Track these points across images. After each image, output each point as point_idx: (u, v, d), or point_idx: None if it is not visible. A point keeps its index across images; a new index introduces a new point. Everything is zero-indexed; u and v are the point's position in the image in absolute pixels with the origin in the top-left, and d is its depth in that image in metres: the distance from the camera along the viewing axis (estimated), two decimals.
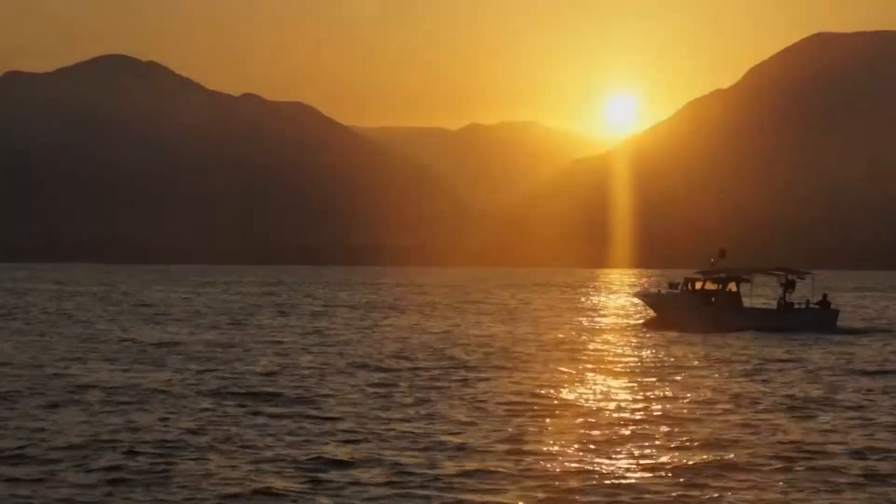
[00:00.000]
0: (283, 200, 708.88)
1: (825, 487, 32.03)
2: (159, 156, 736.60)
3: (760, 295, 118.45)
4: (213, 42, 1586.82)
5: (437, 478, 32.30)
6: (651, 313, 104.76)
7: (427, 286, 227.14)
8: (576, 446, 37.39)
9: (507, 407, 46.13)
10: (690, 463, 34.62)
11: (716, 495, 30.79)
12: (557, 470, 33.67)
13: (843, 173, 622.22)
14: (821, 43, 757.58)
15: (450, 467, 33.66)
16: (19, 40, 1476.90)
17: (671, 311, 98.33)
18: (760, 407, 47.28)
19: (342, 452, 35.69)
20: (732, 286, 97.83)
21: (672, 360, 67.71)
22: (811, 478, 33.08)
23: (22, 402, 47.11)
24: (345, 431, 39.92)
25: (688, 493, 31.04)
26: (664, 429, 40.82)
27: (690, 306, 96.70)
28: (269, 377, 56.35)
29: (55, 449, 36.41)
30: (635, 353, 72.88)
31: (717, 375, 59.31)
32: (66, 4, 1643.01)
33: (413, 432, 39.77)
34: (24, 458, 35.16)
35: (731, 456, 35.73)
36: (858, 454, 36.78)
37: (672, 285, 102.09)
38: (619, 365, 64.61)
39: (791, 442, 38.57)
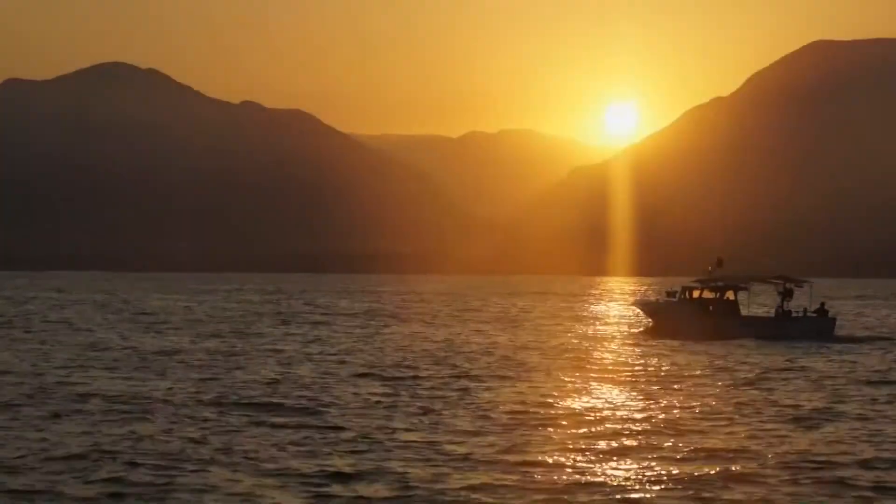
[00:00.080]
0: (283, 208, 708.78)
1: (834, 500, 31.74)
2: (159, 163, 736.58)
3: (762, 304, 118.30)
4: (212, 50, 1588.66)
5: (443, 491, 31.99)
6: (649, 322, 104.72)
7: (427, 294, 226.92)
8: (581, 457, 37.10)
9: (511, 416, 45.85)
10: (697, 474, 34.32)
11: None
12: (564, 482, 33.37)
13: (843, 181, 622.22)
14: (821, 50, 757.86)
15: (456, 480, 33.35)
16: (19, 48, 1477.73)
17: (669, 319, 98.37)
18: (765, 417, 47.00)
19: (346, 464, 35.38)
20: (730, 294, 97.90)
21: (673, 368, 67.43)
22: (819, 490, 32.80)
23: (22, 411, 46.82)
24: (348, 441, 39.61)
25: None
26: (669, 439, 40.53)
27: (688, 315, 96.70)
28: (270, 386, 56.05)
29: (55, 459, 36.11)
30: (636, 361, 72.61)
31: (719, 385, 59.03)
32: (66, 12, 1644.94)
33: (417, 442, 39.48)
34: (23, 468, 34.86)
35: (738, 467, 35.43)
36: (866, 465, 36.47)
37: (670, 294, 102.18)
38: (621, 374, 64.35)
39: (797, 452, 38.28)
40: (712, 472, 34.73)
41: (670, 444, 39.63)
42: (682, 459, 36.78)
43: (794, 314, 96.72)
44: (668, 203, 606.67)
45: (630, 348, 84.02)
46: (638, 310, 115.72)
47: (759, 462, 36.42)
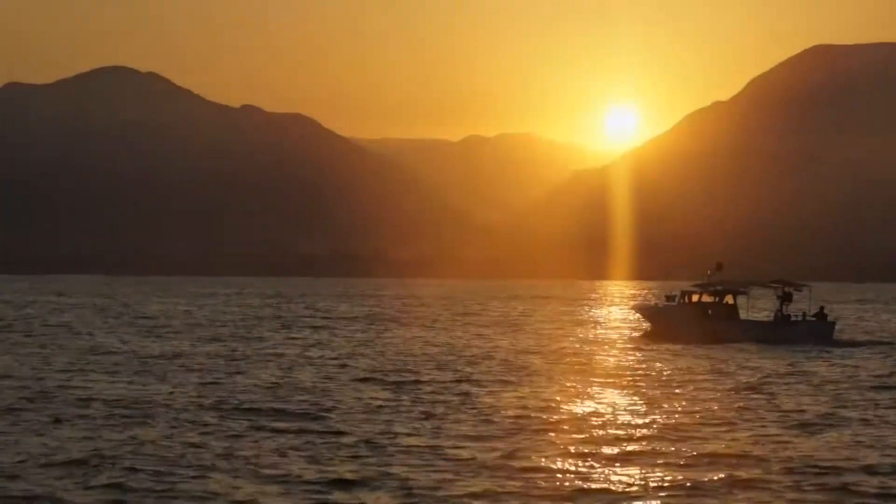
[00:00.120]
0: (283, 212, 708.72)
1: None
2: (159, 167, 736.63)
3: (763, 308, 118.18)
4: (212, 53, 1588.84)
5: (445, 498, 31.82)
6: (648, 326, 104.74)
7: (427, 298, 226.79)
8: (584, 463, 36.93)
9: (513, 421, 45.68)
10: (701, 480, 34.15)
11: None
12: (567, 488, 33.21)
13: (844, 185, 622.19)
14: (821, 55, 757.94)
15: (459, 486, 33.18)
16: (19, 52, 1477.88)
17: (668, 323, 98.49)
18: (767, 422, 46.85)
19: (348, 471, 35.19)
20: (729, 299, 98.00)
21: (674, 373, 67.26)
22: (824, 497, 32.62)
23: (23, 415, 46.67)
24: (350, 447, 39.44)
25: None
26: (671, 445, 40.36)
27: (687, 319, 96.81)
28: (271, 391, 55.89)
29: (55, 465, 35.95)
30: (637, 366, 72.45)
31: (721, 389, 58.87)
32: (66, 16, 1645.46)
33: (420, 447, 39.31)
34: (23, 474, 34.70)
35: (742, 473, 35.26)
36: (871, 471, 36.28)
37: (669, 298, 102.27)
38: (622, 378, 64.18)
39: (800, 458, 38.11)
40: (716, 477, 34.57)
41: (673, 449, 39.47)
42: (685, 465, 36.62)
43: (793, 318, 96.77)
44: (669, 207, 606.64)
45: (630, 353, 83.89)
46: (637, 314, 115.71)
47: (763, 468, 36.25)
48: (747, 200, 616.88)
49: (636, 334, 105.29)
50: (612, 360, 77.85)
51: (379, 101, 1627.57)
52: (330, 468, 35.50)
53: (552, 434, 42.62)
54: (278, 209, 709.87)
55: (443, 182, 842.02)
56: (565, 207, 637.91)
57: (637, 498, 32.15)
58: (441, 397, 53.74)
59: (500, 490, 32.59)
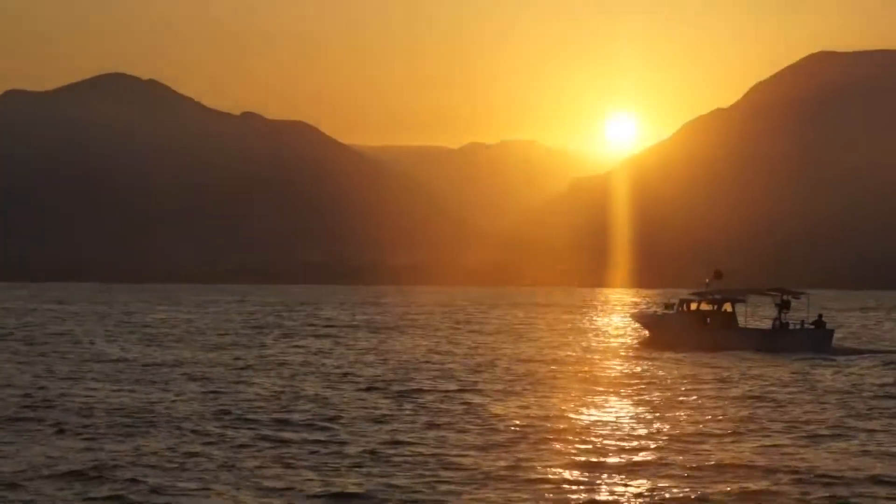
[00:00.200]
0: (283, 219, 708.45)
1: None
2: (159, 174, 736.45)
3: (765, 316, 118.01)
4: (213, 61, 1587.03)
5: None
6: (646, 334, 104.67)
7: (428, 305, 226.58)
8: (590, 473, 36.70)
9: (517, 431, 45.44)
10: (708, 491, 33.93)
11: None
12: (573, 499, 32.97)
13: (845, 192, 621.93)
14: (822, 61, 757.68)
15: (465, 498, 32.93)
16: (20, 59, 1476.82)
17: (666, 331, 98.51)
18: (772, 431, 46.62)
19: (353, 483, 34.93)
20: (728, 307, 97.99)
21: (677, 381, 67.01)
22: None
23: (24, 424, 46.43)
24: (353, 457, 39.20)
25: None
26: (677, 455, 40.13)
27: (685, 327, 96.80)
28: (274, 401, 55.62)
29: (56, 476, 35.72)
30: (639, 374, 72.21)
31: (724, 398, 58.67)
32: (67, 23, 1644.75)
33: (424, 457, 39.05)
34: (24, 484, 34.47)
35: (749, 484, 35.03)
36: (878, 481, 36.04)
37: (667, 306, 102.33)
38: (625, 387, 63.95)
39: (807, 469, 37.87)
40: (723, 488, 34.35)
41: (679, 459, 39.24)
42: (691, 476, 36.40)
43: (791, 326, 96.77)
44: (669, 214, 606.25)
45: (631, 361, 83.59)
46: (636, 322, 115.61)
47: (770, 479, 36.03)
48: (748, 208, 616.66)
49: (635, 343, 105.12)
50: (613, 368, 77.63)
51: (380, 109, 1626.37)
52: (334, 480, 35.25)
53: (557, 444, 42.38)
54: (278, 216, 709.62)
55: (443, 189, 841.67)
56: (565, 214, 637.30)
57: None
58: (444, 407, 53.50)
59: (505, 501, 32.35)
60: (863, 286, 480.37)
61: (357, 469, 37.02)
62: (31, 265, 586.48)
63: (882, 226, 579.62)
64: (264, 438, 43.21)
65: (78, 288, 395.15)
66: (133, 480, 34.83)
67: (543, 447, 41.58)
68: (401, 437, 43.61)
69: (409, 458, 38.96)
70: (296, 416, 49.57)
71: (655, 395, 59.50)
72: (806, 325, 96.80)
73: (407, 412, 51.40)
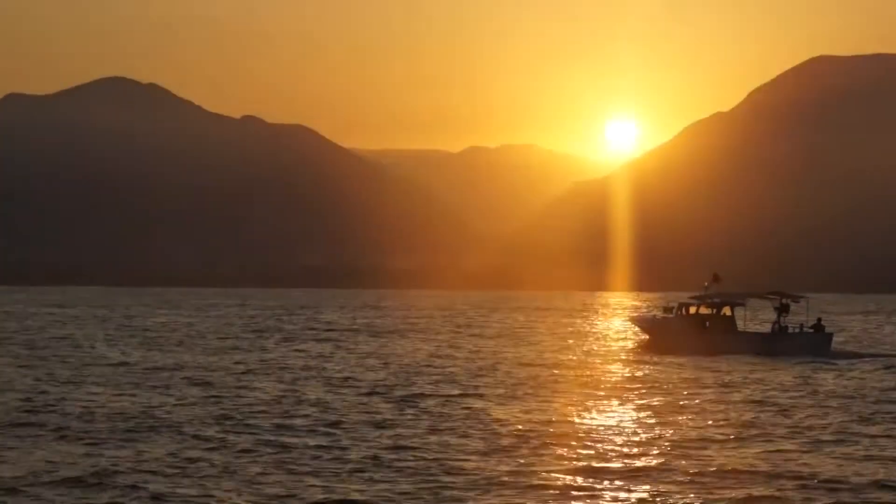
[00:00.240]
0: (284, 223, 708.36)
1: None
2: (159, 178, 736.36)
3: (765, 319, 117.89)
4: (213, 64, 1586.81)
5: None
6: (645, 338, 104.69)
7: (428, 309, 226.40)
8: (593, 478, 36.57)
9: (520, 436, 45.29)
10: (712, 497, 33.79)
11: None
12: None
13: (845, 196, 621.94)
14: (821, 66, 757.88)
15: None
16: (20, 63, 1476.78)
17: (666, 335, 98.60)
18: (775, 436, 46.48)
19: (354, 489, 34.77)
20: (727, 310, 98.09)
21: (678, 386, 66.85)
22: None
23: (25, 429, 46.27)
24: (355, 462, 39.05)
25: None
26: (680, 460, 40.00)
27: (684, 331, 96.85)
28: (274, 405, 55.47)
29: (56, 482, 35.58)
30: (640, 378, 72.03)
31: (726, 402, 58.56)
32: (67, 26, 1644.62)
33: (427, 462, 38.90)
34: (24, 490, 34.33)
35: (752, 490, 34.90)
36: (881, 485, 35.89)
37: (667, 310, 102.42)
38: (627, 391, 63.80)
39: (810, 473, 37.74)
40: (726, 494, 34.21)
41: (681, 465, 39.11)
42: (695, 481, 36.27)
43: (790, 330, 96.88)
44: (669, 218, 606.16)
45: (632, 365, 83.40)
46: (635, 326, 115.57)
47: (774, 483, 35.89)
48: (748, 211, 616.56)
49: (635, 346, 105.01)
50: (614, 372, 77.49)
51: (380, 112, 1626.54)
52: (336, 486, 35.10)
53: (560, 449, 42.25)
54: (279, 220, 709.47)
55: (443, 193, 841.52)
56: (566, 218, 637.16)
57: None
58: (446, 411, 53.36)
59: None
60: (866, 289, 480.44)
61: (359, 475, 36.88)
62: (31, 269, 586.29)
63: (885, 228, 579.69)
64: (266, 444, 43.07)
65: (78, 292, 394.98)
66: (134, 487, 34.70)
67: (546, 452, 41.46)
68: (403, 443, 43.47)
69: (412, 464, 38.82)
70: (297, 421, 49.42)
71: (657, 400, 59.37)
72: (805, 329, 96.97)
73: (409, 417, 51.26)
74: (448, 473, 37.08)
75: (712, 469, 38.21)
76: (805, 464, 39.71)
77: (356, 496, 33.85)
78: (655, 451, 41.96)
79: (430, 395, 60.22)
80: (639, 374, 75.98)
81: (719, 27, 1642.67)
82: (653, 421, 50.83)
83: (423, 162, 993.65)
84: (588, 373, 76.63)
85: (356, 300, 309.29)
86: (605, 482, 36.05)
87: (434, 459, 39.61)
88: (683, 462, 39.54)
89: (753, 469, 38.35)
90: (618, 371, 78.66)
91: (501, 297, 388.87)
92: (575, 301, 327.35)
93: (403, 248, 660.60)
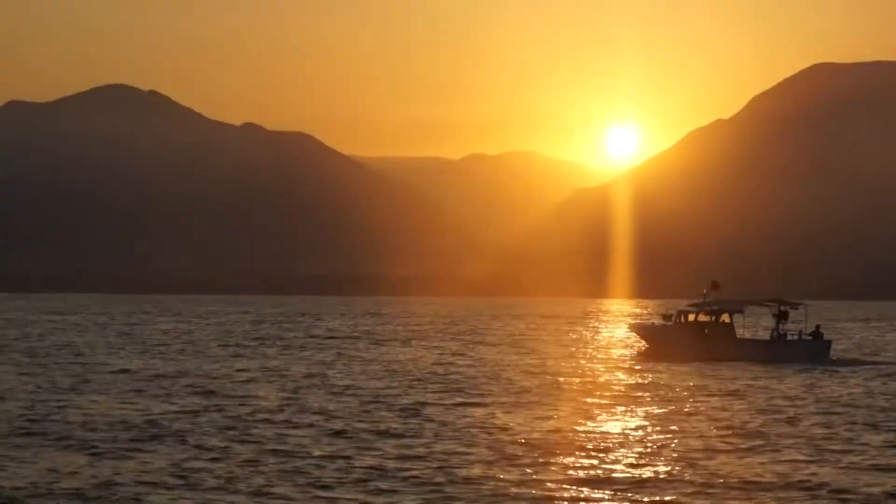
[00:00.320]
0: (284, 230, 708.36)
1: None
2: (159, 185, 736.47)
3: (766, 327, 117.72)
4: (213, 72, 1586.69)
5: None
6: (645, 345, 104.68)
7: (429, 317, 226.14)
8: (600, 489, 36.27)
9: (525, 445, 44.97)
10: None
11: None
12: None
13: (846, 203, 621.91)
14: (822, 73, 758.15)
15: None
16: (20, 70, 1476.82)
17: (665, 342, 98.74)
18: (781, 445, 46.17)
19: (358, 499, 34.46)
20: (725, 318, 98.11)
21: (681, 394, 66.53)
22: None
23: (26, 439, 45.94)
24: (360, 470, 38.74)
25: None
26: (687, 469, 39.71)
27: (683, 338, 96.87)
28: (277, 413, 55.15)
29: (57, 493, 35.27)
30: (642, 387, 71.70)
31: (731, 410, 58.32)
32: (67, 34, 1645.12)
33: (431, 470, 38.59)
34: (25, 502, 34.02)
35: (762, 501, 34.56)
36: (893, 496, 35.57)
37: (665, 317, 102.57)
38: (629, 400, 63.51)
39: (820, 484, 37.42)
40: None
41: (688, 474, 38.82)
42: (702, 492, 35.99)
43: (789, 337, 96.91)
44: (670, 225, 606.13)
45: (633, 373, 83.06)
46: (634, 333, 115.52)
47: (781, 493, 35.59)
48: (749, 218, 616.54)
49: (634, 354, 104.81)
50: (616, 380, 77.17)
51: (381, 119, 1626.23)
52: (341, 497, 34.78)
53: (565, 458, 41.94)
54: (279, 227, 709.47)
55: (444, 200, 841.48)
56: (567, 226, 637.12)
57: None
58: (450, 420, 53.03)
59: None
60: (871, 294, 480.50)
61: (364, 484, 36.57)
62: (30, 276, 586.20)
63: (890, 233, 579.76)
64: (269, 453, 42.75)
65: (78, 299, 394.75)
66: (135, 499, 34.37)
67: (552, 461, 41.15)
68: (408, 452, 43.16)
69: (416, 473, 38.51)
70: (301, 431, 49.09)
71: (661, 409, 59.08)
72: (804, 336, 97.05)
73: (413, 425, 50.94)
74: (453, 483, 36.79)
75: (720, 479, 37.91)
76: (813, 473, 39.41)
77: None
78: (662, 461, 41.66)
79: (433, 404, 59.92)
80: (640, 382, 75.67)
81: (720, 34, 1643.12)
82: (657, 430, 50.53)
83: (424, 169, 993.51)
84: (590, 381, 76.33)
85: (357, 307, 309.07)
86: (612, 492, 35.75)
87: (439, 468, 39.31)
88: (690, 472, 39.25)
89: (761, 479, 38.06)
90: (619, 379, 78.35)
91: (502, 304, 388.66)
92: (575, 308, 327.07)
93: (404, 255, 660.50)
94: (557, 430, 49.48)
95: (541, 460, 41.29)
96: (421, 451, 43.45)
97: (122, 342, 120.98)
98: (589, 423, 52.99)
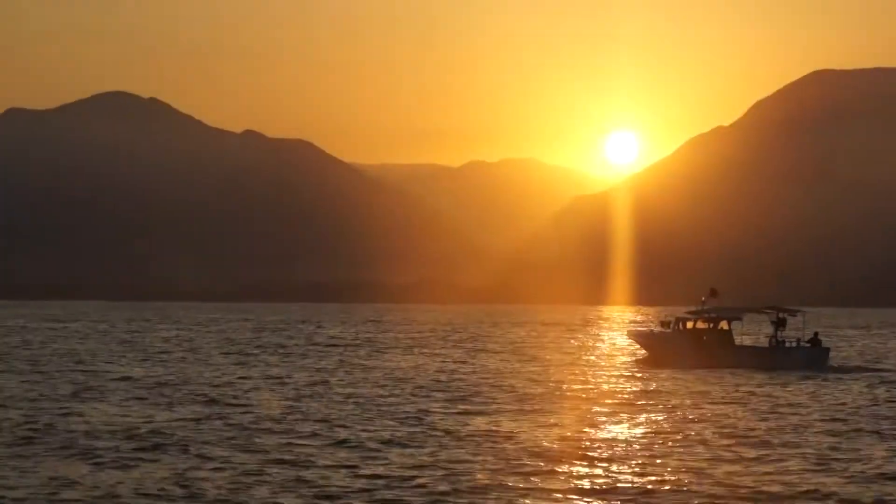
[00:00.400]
0: (284, 237, 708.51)
1: None
2: (159, 192, 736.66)
3: (769, 334, 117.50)
4: (213, 79, 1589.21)
5: None
6: (643, 352, 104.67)
7: (429, 324, 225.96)
8: (607, 498, 36.06)
9: (529, 455, 44.70)
10: None
11: None
12: None
13: (846, 209, 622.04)
14: (822, 80, 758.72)
15: None
16: (21, 78, 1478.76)
17: (663, 350, 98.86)
18: (785, 454, 45.90)
19: None
20: (724, 325, 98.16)
21: (682, 402, 66.24)
22: None
23: (27, 449, 45.68)
24: (365, 479, 38.50)
25: None
26: (693, 478, 39.46)
27: (682, 345, 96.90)
28: (280, 422, 54.88)
29: (59, 503, 35.04)
30: (644, 394, 71.43)
31: (732, 417, 58.12)
32: (68, 41, 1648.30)
33: (435, 479, 38.38)
34: None
35: None
36: None
37: (664, 324, 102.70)
38: (632, 407, 63.29)
39: (827, 494, 37.20)
40: None
41: (694, 485, 38.59)
42: (708, 502, 35.74)
43: (787, 344, 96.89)
44: (670, 232, 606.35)
45: (633, 381, 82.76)
46: (633, 340, 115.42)
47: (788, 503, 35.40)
48: (750, 225, 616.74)
49: (633, 362, 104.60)
50: (618, 388, 76.94)
51: (381, 127, 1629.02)
52: None
53: (571, 467, 41.73)
54: (279, 234, 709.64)
55: (443, 207, 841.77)
56: (566, 233, 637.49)
57: None
58: (454, 428, 52.76)
59: None
60: (872, 299, 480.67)
61: (369, 493, 36.34)
62: (31, 283, 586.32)
63: (883, 241, 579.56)
64: (272, 463, 42.49)
65: (78, 306, 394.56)
66: None
67: (557, 469, 40.94)
68: (412, 460, 42.93)
69: (422, 482, 38.28)
70: (304, 440, 48.82)
71: (663, 417, 58.85)
72: (802, 343, 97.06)
73: (417, 433, 50.69)
74: (459, 492, 36.58)
75: (726, 489, 37.67)
76: (821, 483, 39.18)
77: None
78: (668, 470, 41.43)
79: (437, 412, 59.68)
80: (641, 389, 75.43)
81: (721, 41, 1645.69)
82: (661, 438, 50.28)
83: (424, 176, 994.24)
84: (593, 388, 76.14)
85: (357, 315, 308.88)
86: (620, 501, 35.55)
87: (444, 477, 39.07)
88: (696, 481, 39.01)
89: (767, 489, 37.84)
90: (621, 387, 78.12)
91: (502, 311, 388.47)
92: (576, 315, 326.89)
93: (403, 262, 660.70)
94: (562, 438, 49.25)
95: (546, 469, 41.06)
96: (426, 459, 43.21)
97: (123, 349, 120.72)
98: (593, 430, 52.76)
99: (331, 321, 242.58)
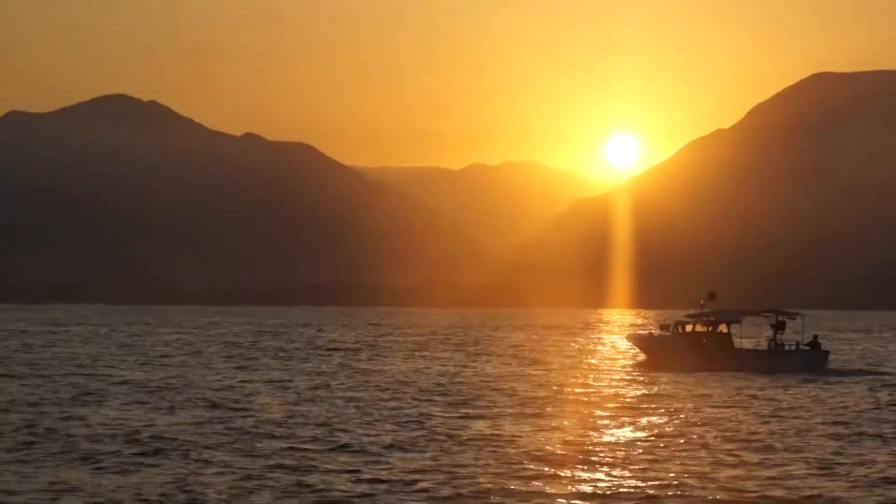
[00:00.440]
0: (284, 240, 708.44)
1: None
2: (159, 195, 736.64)
3: (769, 337, 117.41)
4: (213, 82, 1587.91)
5: None
6: (642, 356, 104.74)
7: (431, 327, 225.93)
8: (610, 503, 35.93)
9: (532, 458, 44.62)
10: None
11: None
12: None
13: (845, 212, 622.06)
14: (822, 82, 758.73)
15: None
16: (20, 80, 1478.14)
17: (662, 353, 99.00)
18: (788, 459, 45.81)
19: None
20: (723, 328, 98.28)
21: (683, 406, 66.15)
22: None
23: (27, 453, 45.59)
24: (367, 484, 38.40)
25: None
26: (696, 482, 39.37)
27: (681, 348, 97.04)
28: (281, 426, 54.79)
29: None
30: (645, 398, 71.34)
31: (734, 421, 58.02)
32: (67, 44, 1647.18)
33: (437, 483, 38.28)
34: None
35: None
36: None
37: (663, 328, 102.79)
38: (633, 411, 63.19)
39: (832, 499, 37.11)
40: None
41: (698, 491, 38.48)
42: None
43: (787, 347, 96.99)
44: (670, 235, 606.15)
45: (634, 384, 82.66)
46: (632, 344, 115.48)
47: None
48: (751, 227, 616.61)
49: (632, 365, 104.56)
50: (619, 391, 76.84)
51: (381, 130, 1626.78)
52: None
53: (573, 471, 41.64)
54: (280, 237, 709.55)
55: (444, 210, 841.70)
56: (566, 236, 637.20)
57: None
58: (455, 432, 52.67)
59: None
60: (872, 301, 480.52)
61: (371, 498, 36.25)
62: (31, 287, 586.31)
63: (881, 245, 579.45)
64: (273, 468, 42.40)
65: (79, 310, 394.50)
66: None
67: (559, 473, 40.86)
68: (414, 464, 42.83)
69: (425, 486, 38.19)
70: (305, 444, 48.74)
71: (665, 421, 58.76)
72: (801, 347, 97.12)
73: (419, 437, 50.61)
74: (461, 496, 36.50)
75: (730, 494, 37.58)
76: (824, 487, 39.10)
77: None
78: (670, 474, 41.33)
79: (438, 416, 59.58)
80: (642, 392, 75.35)
81: (720, 44, 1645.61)
82: (663, 442, 50.18)
83: (424, 179, 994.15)
84: (593, 392, 76.06)
85: (358, 318, 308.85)
86: None
87: (446, 481, 38.99)
88: (699, 485, 38.92)
89: (770, 494, 37.75)
90: (621, 390, 78.02)
91: (503, 314, 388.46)
92: (576, 318, 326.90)
93: (404, 264, 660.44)
94: (564, 442, 49.16)
95: (548, 473, 40.97)
96: (428, 463, 43.12)
97: (124, 353, 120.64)
98: (595, 434, 52.67)
99: (332, 324, 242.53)
